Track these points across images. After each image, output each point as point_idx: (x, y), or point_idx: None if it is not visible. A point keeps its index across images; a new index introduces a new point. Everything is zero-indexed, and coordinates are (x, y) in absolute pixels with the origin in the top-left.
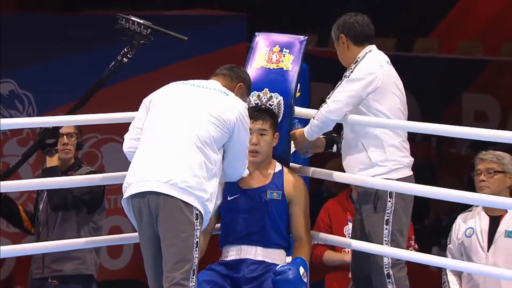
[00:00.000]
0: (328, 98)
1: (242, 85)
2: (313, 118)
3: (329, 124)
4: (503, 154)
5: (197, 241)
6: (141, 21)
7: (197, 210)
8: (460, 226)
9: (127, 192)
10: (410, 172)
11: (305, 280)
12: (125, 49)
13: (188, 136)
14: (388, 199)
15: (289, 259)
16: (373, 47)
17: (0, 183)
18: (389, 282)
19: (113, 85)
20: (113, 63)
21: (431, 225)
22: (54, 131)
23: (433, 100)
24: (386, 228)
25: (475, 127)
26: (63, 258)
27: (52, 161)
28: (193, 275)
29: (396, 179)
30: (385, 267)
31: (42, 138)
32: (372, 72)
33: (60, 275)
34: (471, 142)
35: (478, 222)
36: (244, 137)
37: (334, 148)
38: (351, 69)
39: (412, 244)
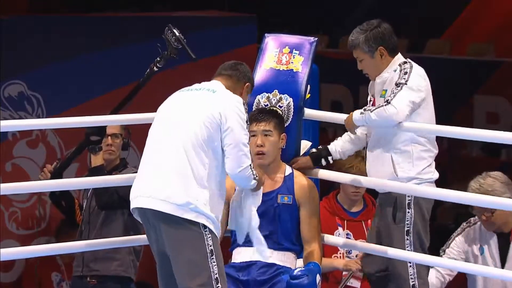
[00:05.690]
0: (388, 100)
1: (249, 85)
2: (371, 111)
3: (386, 125)
4: (491, 181)
5: (211, 249)
6: (177, 34)
7: (198, 219)
8: (463, 241)
9: (131, 204)
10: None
11: None
12: (157, 58)
13: (176, 145)
14: (407, 210)
15: (299, 262)
16: (400, 55)
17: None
18: None
19: (125, 86)
20: (147, 70)
21: (437, 229)
22: (100, 129)
23: (445, 102)
24: (407, 239)
25: (487, 129)
26: (102, 258)
27: (97, 160)
28: (218, 283)
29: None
30: (411, 278)
31: (88, 134)
32: (427, 88)
33: (98, 274)
34: (483, 144)
35: (485, 240)
36: (235, 130)
37: (323, 162)
38: (404, 78)
39: None
